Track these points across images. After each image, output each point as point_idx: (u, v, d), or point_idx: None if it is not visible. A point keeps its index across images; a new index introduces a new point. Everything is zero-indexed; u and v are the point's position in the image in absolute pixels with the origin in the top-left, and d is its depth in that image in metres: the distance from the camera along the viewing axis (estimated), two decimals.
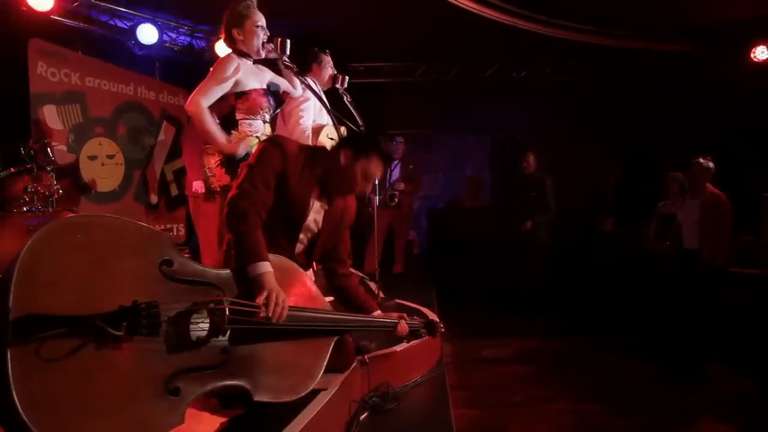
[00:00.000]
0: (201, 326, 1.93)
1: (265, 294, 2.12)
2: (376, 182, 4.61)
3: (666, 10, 6.66)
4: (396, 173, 7.03)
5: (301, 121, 3.92)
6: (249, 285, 2.16)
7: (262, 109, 3.17)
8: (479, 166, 9.02)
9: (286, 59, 3.21)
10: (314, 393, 2.30)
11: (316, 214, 2.60)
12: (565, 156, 8.18)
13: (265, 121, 3.21)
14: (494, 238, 7.74)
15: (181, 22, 6.95)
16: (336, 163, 2.51)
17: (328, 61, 4.28)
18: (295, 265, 2.43)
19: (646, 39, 7.48)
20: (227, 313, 1.95)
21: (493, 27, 6.68)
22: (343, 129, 4.23)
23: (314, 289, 2.46)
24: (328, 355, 2.35)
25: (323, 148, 2.61)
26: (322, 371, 2.30)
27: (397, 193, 6.90)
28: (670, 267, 5.66)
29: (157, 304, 1.80)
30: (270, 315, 2.09)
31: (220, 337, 1.97)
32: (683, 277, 5.43)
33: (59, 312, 1.66)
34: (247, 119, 3.15)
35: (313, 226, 2.62)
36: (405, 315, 2.84)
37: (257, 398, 2.05)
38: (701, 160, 5.34)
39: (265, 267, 2.19)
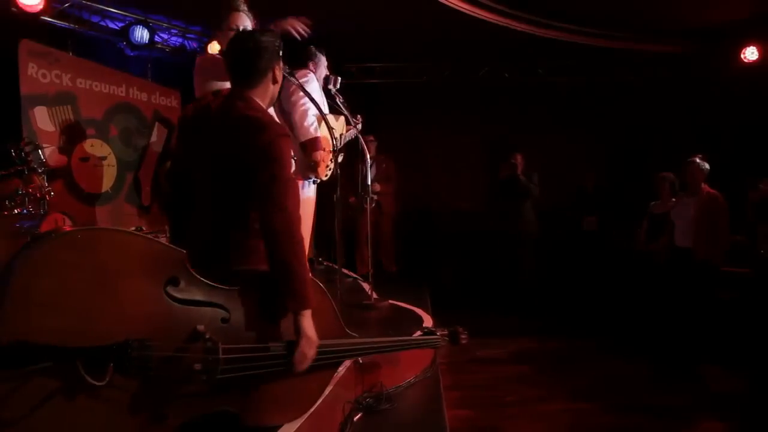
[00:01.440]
0: (194, 367, 1.80)
1: (302, 346, 2.01)
2: (366, 183, 4.67)
3: (657, 11, 6.69)
4: (372, 173, 6.99)
5: (308, 112, 3.93)
6: (258, 305, 2.02)
7: None
8: (472, 166, 9.03)
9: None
10: None
11: None
12: (557, 156, 8.21)
13: None
14: (487, 237, 7.75)
15: (173, 23, 6.93)
16: (276, 83, 2.30)
17: (323, 60, 4.29)
18: (322, 290, 2.29)
19: (637, 40, 7.52)
20: (221, 363, 1.83)
21: (485, 27, 6.70)
22: (341, 118, 4.24)
23: (336, 314, 2.36)
24: (332, 383, 2.31)
25: (262, 81, 2.26)
26: (322, 398, 2.25)
27: (374, 197, 6.90)
28: (662, 266, 5.70)
29: (149, 345, 1.69)
30: (299, 369, 2.03)
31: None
32: (676, 276, 5.46)
33: (49, 340, 1.54)
34: None
35: None
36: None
37: (248, 423, 1.99)
38: (697, 159, 5.38)
39: (309, 314, 2.04)
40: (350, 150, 4.77)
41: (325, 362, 2.19)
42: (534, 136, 8.18)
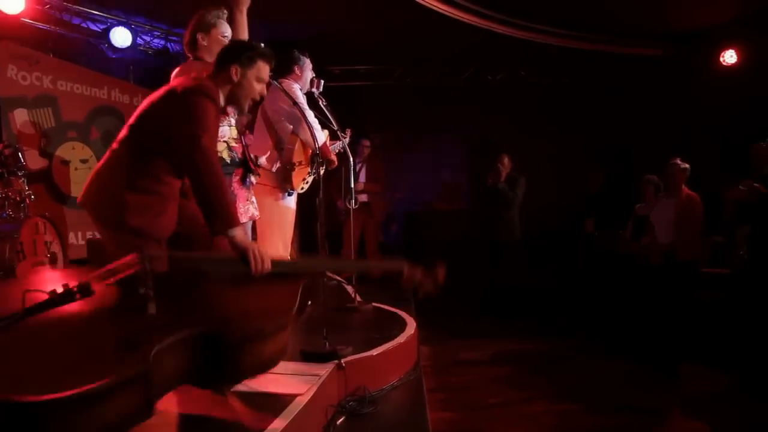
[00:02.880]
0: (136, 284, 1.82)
1: (249, 252, 2.11)
2: (352, 185, 4.68)
3: (640, 15, 6.78)
4: (361, 176, 7.06)
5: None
6: None
7: (227, 115, 3.15)
8: (456, 168, 9.07)
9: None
10: (290, 398, 2.30)
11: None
12: (540, 158, 8.27)
13: (230, 125, 3.20)
14: (471, 239, 7.78)
15: (155, 25, 6.89)
16: (232, 82, 2.50)
17: (308, 63, 4.28)
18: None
19: (620, 43, 7.61)
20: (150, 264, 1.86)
21: (469, 30, 6.73)
22: (326, 132, 4.24)
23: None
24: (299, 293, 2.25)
25: (221, 75, 2.49)
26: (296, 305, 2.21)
27: (357, 197, 6.95)
28: (654, 266, 5.77)
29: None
30: (258, 269, 2.11)
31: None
32: (658, 277, 5.55)
33: None
34: None
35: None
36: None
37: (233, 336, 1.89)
38: (678, 161, 5.49)
39: (240, 230, 2.19)
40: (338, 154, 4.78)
41: (287, 272, 2.26)
42: (517, 137, 8.23)
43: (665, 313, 5.33)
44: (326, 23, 6.72)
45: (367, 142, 7.18)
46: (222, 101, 2.49)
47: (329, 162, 4.14)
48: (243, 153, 3.20)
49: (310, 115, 3.80)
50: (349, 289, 4.92)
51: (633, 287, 5.88)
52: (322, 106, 4.34)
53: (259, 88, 2.55)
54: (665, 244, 5.60)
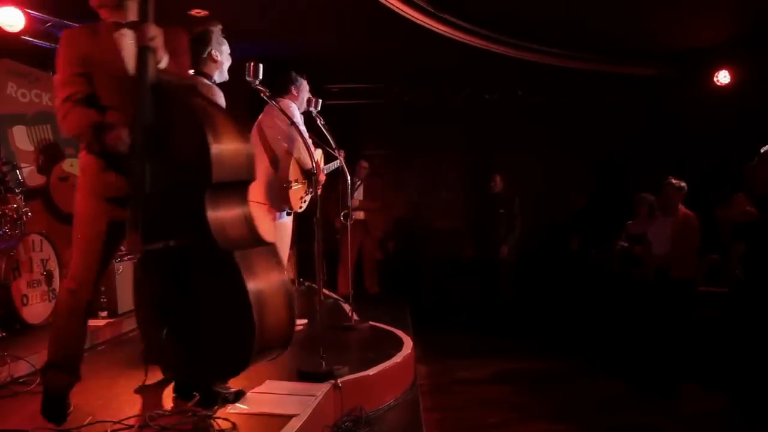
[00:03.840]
0: None
1: None
2: (350, 201, 4.69)
3: (635, 35, 6.85)
4: (358, 194, 7.09)
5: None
6: None
7: None
8: (453, 186, 9.09)
9: (258, 84, 3.21)
10: (286, 419, 2.29)
11: None
12: (536, 176, 8.31)
13: None
14: (467, 258, 7.80)
15: None
16: None
17: (305, 84, 4.31)
18: None
19: (615, 63, 7.68)
20: None
21: (466, 50, 6.79)
22: (319, 151, 4.27)
23: None
24: None
25: None
26: None
27: (353, 214, 6.97)
28: (640, 284, 5.79)
29: None
30: None
31: None
32: (654, 295, 5.57)
33: None
34: None
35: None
36: None
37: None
38: (673, 181, 5.54)
39: None
40: (334, 173, 4.80)
41: None
42: (514, 156, 8.29)
43: (662, 331, 5.33)
44: (324, 42, 6.77)
45: (365, 163, 7.22)
46: None
47: (317, 181, 4.16)
48: None
49: (305, 134, 3.83)
50: (346, 307, 4.91)
51: (630, 305, 5.88)
52: (320, 124, 4.38)
53: None
54: (661, 261, 5.63)
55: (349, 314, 4.60)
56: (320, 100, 4.35)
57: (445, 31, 6.41)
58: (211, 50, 3.27)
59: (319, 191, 4.06)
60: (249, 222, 2.37)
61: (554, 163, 8.42)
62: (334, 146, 4.40)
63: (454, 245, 8.26)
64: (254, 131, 4.16)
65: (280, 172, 4.02)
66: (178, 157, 2.26)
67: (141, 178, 2.21)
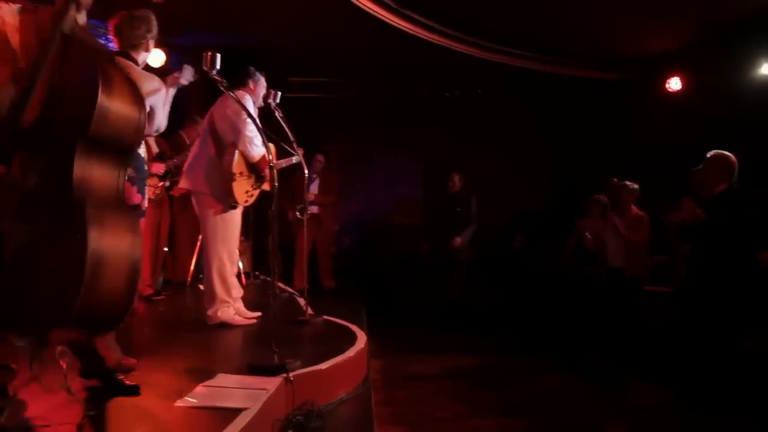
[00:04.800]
0: None
1: None
2: (306, 196, 4.66)
3: (593, 41, 7.03)
4: (313, 188, 7.07)
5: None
6: None
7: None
8: (411, 183, 9.14)
9: (216, 75, 3.15)
10: (237, 412, 2.27)
11: None
12: (495, 176, 8.42)
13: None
14: (423, 254, 7.85)
15: None
16: None
17: (263, 81, 4.28)
18: None
19: (576, 66, 7.85)
20: None
21: (428, 47, 6.83)
22: (271, 146, 4.23)
23: None
24: None
25: None
26: None
27: (314, 208, 6.97)
28: (591, 283, 5.96)
29: None
30: None
31: None
32: (606, 294, 5.74)
33: None
34: None
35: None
36: None
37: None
38: (627, 183, 5.74)
39: None
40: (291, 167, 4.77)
41: None
42: (472, 155, 8.38)
43: (612, 329, 5.49)
44: (286, 34, 6.72)
45: (320, 157, 7.18)
46: None
47: (263, 177, 4.13)
48: None
49: (254, 129, 3.80)
50: (301, 301, 4.89)
51: (581, 303, 6.02)
52: (278, 117, 4.34)
53: None
54: (612, 259, 5.83)
55: (304, 308, 4.58)
56: (279, 93, 4.32)
57: (408, 28, 6.44)
58: (149, 40, 3.20)
59: (266, 186, 4.05)
60: (120, 193, 2.25)
61: (511, 163, 8.55)
62: (291, 139, 4.37)
63: (412, 242, 8.31)
64: (205, 120, 4.14)
65: (224, 164, 3.98)
66: (62, 102, 2.17)
67: (17, 109, 2.10)
